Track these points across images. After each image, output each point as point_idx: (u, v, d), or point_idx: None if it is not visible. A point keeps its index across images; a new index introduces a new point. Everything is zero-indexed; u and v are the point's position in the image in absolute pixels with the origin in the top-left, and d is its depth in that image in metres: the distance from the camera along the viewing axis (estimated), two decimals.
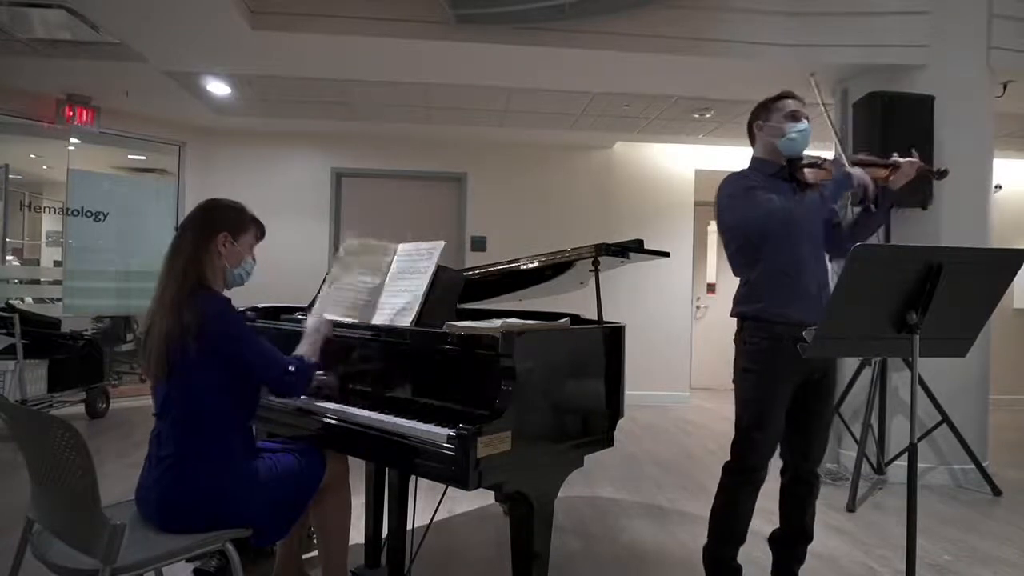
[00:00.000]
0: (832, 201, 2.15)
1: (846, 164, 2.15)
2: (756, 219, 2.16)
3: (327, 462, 2.03)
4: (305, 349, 2.07)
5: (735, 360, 2.29)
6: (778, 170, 2.29)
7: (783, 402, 2.22)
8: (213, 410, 1.82)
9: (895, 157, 2.21)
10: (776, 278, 2.20)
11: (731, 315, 2.32)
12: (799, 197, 2.20)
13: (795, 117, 2.25)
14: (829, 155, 2.33)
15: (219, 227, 1.93)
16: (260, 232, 2.06)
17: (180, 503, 1.76)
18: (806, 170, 2.28)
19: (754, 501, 2.27)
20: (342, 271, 2.48)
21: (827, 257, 2.35)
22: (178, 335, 1.76)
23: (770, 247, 2.19)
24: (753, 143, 2.39)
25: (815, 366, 2.20)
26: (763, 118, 2.33)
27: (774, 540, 2.43)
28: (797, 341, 2.11)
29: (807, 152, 2.30)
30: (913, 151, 2.22)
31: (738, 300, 2.30)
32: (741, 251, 2.27)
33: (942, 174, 2.32)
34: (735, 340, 2.31)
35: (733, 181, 2.29)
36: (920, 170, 2.20)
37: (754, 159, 2.36)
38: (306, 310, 2.63)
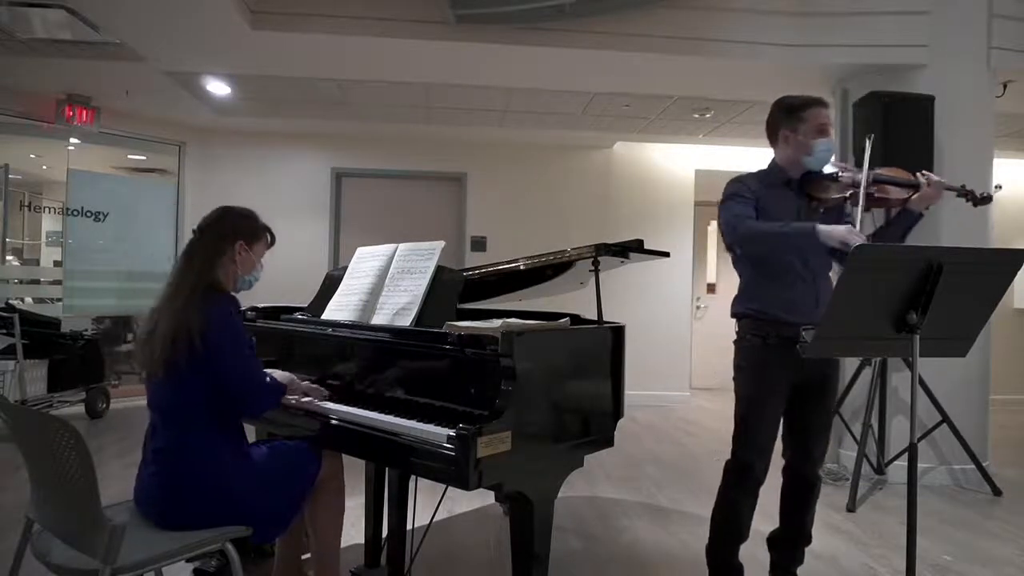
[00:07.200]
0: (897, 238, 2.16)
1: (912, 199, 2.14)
2: (730, 236, 2.20)
3: (323, 459, 2.03)
4: (279, 376, 2.07)
5: (734, 359, 2.32)
6: (788, 181, 2.26)
7: (776, 401, 2.23)
8: (206, 405, 1.83)
9: (920, 177, 2.16)
10: (770, 280, 2.21)
11: (731, 315, 2.34)
12: (804, 217, 2.20)
13: (823, 131, 2.19)
14: (839, 167, 2.26)
15: (237, 235, 1.99)
16: (271, 240, 2.11)
17: (176, 497, 1.77)
18: (818, 182, 2.23)
19: (753, 500, 2.28)
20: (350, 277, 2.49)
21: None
22: (185, 335, 1.78)
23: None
24: (774, 143, 2.31)
25: (813, 369, 2.20)
26: (790, 127, 2.23)
27: (772, 541, 2.44)
28: (788, 341, 2.14)
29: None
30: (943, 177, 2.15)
31: (736, 300, 2.33)
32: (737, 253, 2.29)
33: (983, 199, 2.16)
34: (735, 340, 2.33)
35: (732, 186, 2.27)
36: (959, 194, 2.15)
37: (773, 162, 2.32)
38: (306, 310, 2.64)
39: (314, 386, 2.15)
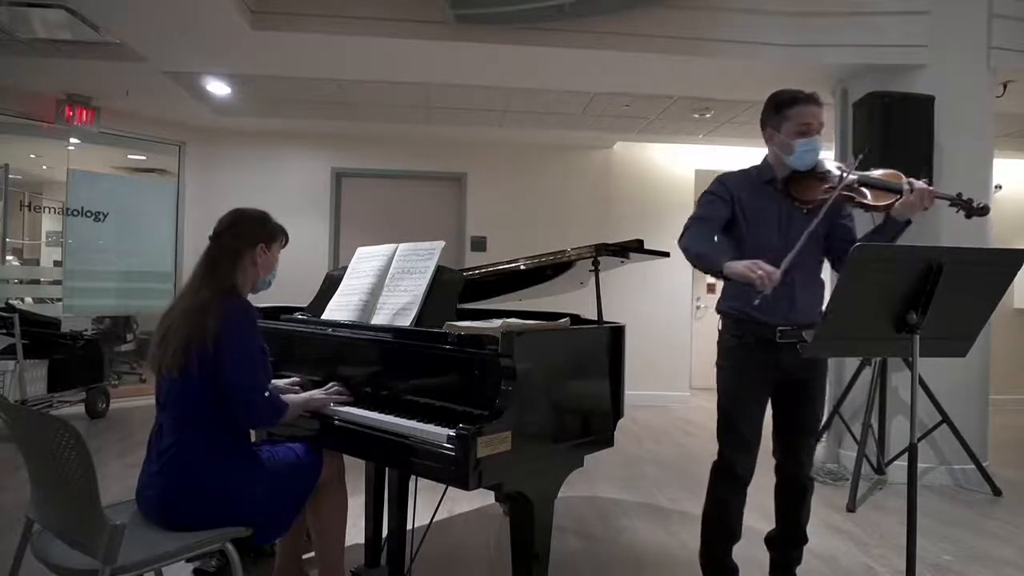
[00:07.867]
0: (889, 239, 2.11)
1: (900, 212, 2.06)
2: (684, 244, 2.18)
3: (324, 460, 2.04)
4: (292, 399, 2.03)
5: (716, 358, 2.32)
6: (772, 179, 2.23)
7: (757, 400, 2.23)
8: (214, 407, 1.84)
9: (908, 184, 2.07)
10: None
11: (715, 310, 2.35)
12: (785, 218, 2.18)
13: (806, 132, 2.12)
14: (831, 165, 2.22)
15: (256, 239, 2.00)
16: (286, 239, 2.12)
17: (180, 497, 1.78)
18: (804, 181, 2.18)
19: (741, 498, 2.27)
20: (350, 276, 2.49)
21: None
22: (200, 338, 1.79)
23: (745, 248, 2.16)
24: (764, 140, 2.28)
25: (795, 369, 2.17)
26: (773, 126, 2.20)
27: (770, 541, 2.44)
28: (764, 341, 2.14)
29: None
30: (928, 182, 2.08)
31: (720, 297, 2.33)
32: None
33: (981, 210, 2.07)
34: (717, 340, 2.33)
35: (711, 185, 2.27)
36: (952, 203, 2.08)
37: (764, 159, 2.30)
38: (306, 310, 2.64)
39: (337, 397, 2.11)
